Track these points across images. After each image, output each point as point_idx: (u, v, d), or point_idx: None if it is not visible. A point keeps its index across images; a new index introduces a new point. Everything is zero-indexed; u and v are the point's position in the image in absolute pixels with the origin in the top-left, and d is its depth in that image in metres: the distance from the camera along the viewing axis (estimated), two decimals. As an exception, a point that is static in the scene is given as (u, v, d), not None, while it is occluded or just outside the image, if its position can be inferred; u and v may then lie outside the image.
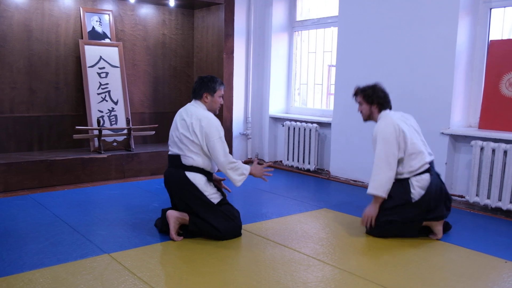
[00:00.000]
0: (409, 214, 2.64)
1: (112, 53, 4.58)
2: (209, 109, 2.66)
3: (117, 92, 4.58)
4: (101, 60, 4.52)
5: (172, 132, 2.66)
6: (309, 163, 4.63)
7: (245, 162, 4.20)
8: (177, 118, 2.66)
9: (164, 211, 2.69)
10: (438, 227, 2.69)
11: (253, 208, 3.35)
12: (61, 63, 4.43)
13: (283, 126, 4.88)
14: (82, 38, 4.47)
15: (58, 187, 3.89)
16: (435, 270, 2.27)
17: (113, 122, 4.53)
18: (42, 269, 2.17)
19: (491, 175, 3.27)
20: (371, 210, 2.69)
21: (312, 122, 4.61)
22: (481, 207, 3.40)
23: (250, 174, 2.63)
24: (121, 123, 4.55)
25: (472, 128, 3.57)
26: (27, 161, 3.82)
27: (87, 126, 4.34)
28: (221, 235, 2.56)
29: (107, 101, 4.52)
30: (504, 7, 3.44)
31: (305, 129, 4.62)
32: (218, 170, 2.73)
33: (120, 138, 4.52)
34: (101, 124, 4.30)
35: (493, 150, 3.25)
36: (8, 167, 3.72)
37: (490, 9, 3.50)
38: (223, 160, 2.54)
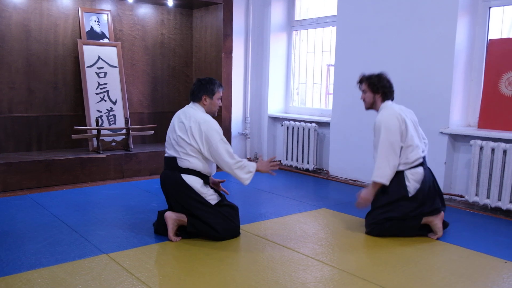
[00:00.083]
0: (407, 209, 2.64)
1: (110, 53, 4.57)
2: (208, 112, 2.65)
3: (116, 92, 4.58)
4: (100, 60, 4.51)
5: (170, 134, 2.65)
6: (308, 163, 4.62)
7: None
8: (175, 120, 2.65)
9: (160, 213, 2.68)
10: (438, 224, 2.69)
11: (252, 208, 3.34)
12: (60, 63, 4.42)
13: (282, 125, 4.87)
14: (80, 38, 4.46)
15: (57, 187, 3.89)
16: (434, 270, 2.27)
17: (111, 122, 4.52)
18: (41, 269, 2.17)
19: (490, 175, 3.27)
20: (368, 194, 2.70)
21: (311, 122, 4.60)
22: (480, 207, 3.40)
23: (257, 170, 2.61)
24: (120, 123, 4.54)
25: (471, 128, 3.57)
26: (26, 161, 3.81)
27: (86, 126, 4.33)
28: (219, 235, 2.55)
29: (105, 101, 4.51)
30: (503, 5, 3.44)
31: (304, 129, 4.61)
32: (219, 170, 2.72)
33: (119, 138, 4.52)
34: (99, 124, 4.29)
35: (493, 150, 3.25)
36: (7, 167, 3.72)
37: (489, 8, 3.50)
38: (229, 161, 2.52)
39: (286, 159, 4.84)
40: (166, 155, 2.66)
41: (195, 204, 2.53)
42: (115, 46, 4.61)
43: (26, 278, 2.07)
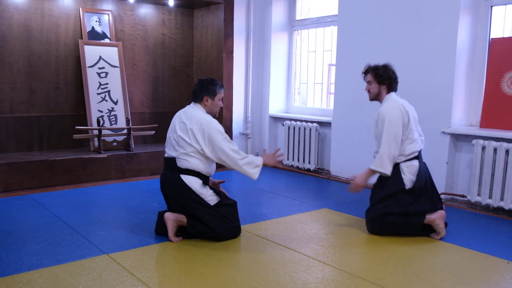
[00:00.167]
0: (404, 202, 2.65)
1: (111, 53, 4.57)
2: (209, 112, 2.65)
3: (117, 92, 4.58)
4: (101, 60, 4.51)
5: (170, 134, 2.65)
6: (309, 163, 4.61)
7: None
8: (176, 120, 2.64)
9: (160, 214, 2.68)
10: (440, 225, 2.67)
11: (253, 208, 3.34)
12: (61, 63, 4.43)
13: (283, 125, 4.86)
14: (81, 38, 4.47)
15: (58, 187, 3.89)
16: (436, 271, 2.25)
17: (113, 122, 4.52)
18: (41, 269, 2.17)
19: (493, 175, 3.25)
20: (362, 180, 2.73)
21: (312, 122, 4.59)
22: (482, 207, 3.38)
23: (264, 164, 2.62)
24: (121, 123, 4.54)
25: (473, 127, 3.55)
26: (27, 161, 3.82)
27: (87, 126, 4.34)
28: (217, 236, 2.55)
29: (107, 101, 4.51)
30: (505, 4, 3.42)
31: (305, 129, 4.60)
32: (218, 170, 2.71)
33: (120, 138, 4.52)
34: (101, 124, 4.29)
35: (495, 149, 3.23)
36: (8, 167, 3.72)
37: (491, 6, 3.48)
38: (235, 157, 2.53)
39: (287, 159, 4.83)
40: (165, 155, 2.66)
41: (194, 205, 2.53)
42: (116, 46, 4.61)
43: (26, 279, 2.07)
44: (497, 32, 3.50)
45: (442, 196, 3.57)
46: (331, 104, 4.73)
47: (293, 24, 5.08)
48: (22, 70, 4.23)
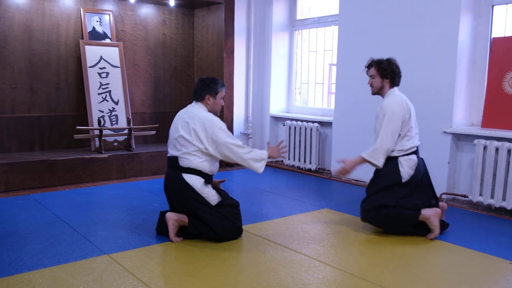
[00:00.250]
0: (400, 194, 2.66)
1: (112, 53, 4.57)
2: (210, 111, 2.66)
3: (118, 92, 4.58)
4: (102, 60, 4.51)
5: (172, 133, 2.66)
6: (310, 163, 4.61)
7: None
8: (178, 119, 2.65)
9: (162, 213, 2.68)
10: (434, 222, 2.65)
11: (254, 208, 3.33)
12: (62, 63, 4.43)
13: (284, 125, 4.86)
14: (82, 38, 4.47)
15: (59, 187, 3.90)
16: (437, 271, 2.25)
17: (113, 122, 4.52)
18: (42, 269, 2.17)
19: (494, 174, 3.24)
20: (350, 166, 2.76)
21: (313, 122, 4.59)
22: (484, 207, 3.37)
23: (269, 157, 2.65)
24: (122, 123, 4.55)
25: (475, 127, 3.54)
26: (28, 161, 3.82)
27: (88, 126, 4.34)
28: (218, 237, 2.54)
29: (107, 101, 4.51)
30: (507, 3, 3.41)
31: (306, 129, 4.60)
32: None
33: (121, 138, 4.52)
34: (101, 124, 4.30)
35: (497, 149, 3.22)
36: (10, 167, 3.73)
37: (492, 6, 3.47)
38: (240, 152, 2.55)
39: (288, 159, 4.83)
40: (168, 155, 2.67)
41: (195, 204, 2.53)
42: (117, 46, 4.61)
43: (27, 279, 2.07)
44: (498, 31, 3.49)
45: (443, 196, 3.57)
46: (332, 104, 4.73)
47: (293, 24, 5.07)
48: (23, 71, 4.23)
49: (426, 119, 3.59)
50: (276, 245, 2.57)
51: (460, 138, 3.55)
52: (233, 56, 4.89)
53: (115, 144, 4.47)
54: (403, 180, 2.69)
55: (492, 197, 3.27)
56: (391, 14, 3.86)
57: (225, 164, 4.71)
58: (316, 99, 5.03)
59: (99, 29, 4.57)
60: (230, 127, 4.95)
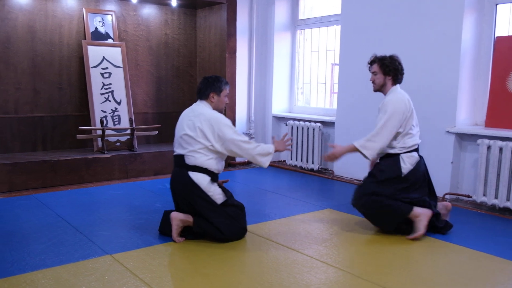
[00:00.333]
0: (397, 187, 2.65)
1: (115, 54, 4.58)
2: (215, 108, 2.68)
3: (120, 92, 4.58)
4: (104, 60, 4.52)
5: (177, 132, 2.67)
6: (312, 163, 4.60)
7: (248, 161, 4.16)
8: (183, 118, 2.66)
9: (166, 213, 2.67)
10: (423, 221, 2.62)
11: (256, 208, 3.33)
12: (65, 63, 4.44)
13: (286, 125, 4.85)
14: (85, 39, 4.48)
15: (62, 187, 3.90)
16: (441, 272, 2.23)
17: (116, 122, 4.53)
18: (44, 270, 2.17)
19: (498, 174, 3.22)
20: (340, 152, 2.80)
21: (315, 121, 4.58)
22: (488, 207, 3.35)
23: (275, 150, 2.68)
24: (124, 123, 4.55)
25: (479, 127, 3.52)
26: (31, 161, 3.83)
27: (91, 126, 4.35)
28: (223, 236, 2.54)
29: (110, 101, 4.52)
30: (510, 2, 3.38)
31: (308, 128, 4.59)
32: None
33: (123, 138, 4.53)
34: (104, 124, 4.30)
35: (500, 149, 3.20)
36: (12, 167, 3.74)
37: (496, 4, 3.45)
38: (247, 147, 2.57)
39: (291, 159, 4.82)
40: (174, 153, 2.68)
41: (200, 202, 2.53)
42: (120, 47, 4.62)
43: (30, 279, 2.07)
44: (502, 30, 3.47)
45: (447, 196, 3.55)
46: (334, 104, 4.71)
47: (296, 23, 5.06)
48: (27, 71, 4.25)
49: (429, 118, 3.57)
50: (278, 245, 2.56)
51: (463, 138, 3.53)
52: (235, 56, 4.89)
53: (118, 144, 4.48)
54: (403, 175, 2.69)
55: (496, 197, 3.25)
56: (393, 13, 3.84)
57: (227, 164, 4.71)
58: (318, 99, 5.01)
59: (102, 29, 4.58)
60: (233, 127, 4.95)
